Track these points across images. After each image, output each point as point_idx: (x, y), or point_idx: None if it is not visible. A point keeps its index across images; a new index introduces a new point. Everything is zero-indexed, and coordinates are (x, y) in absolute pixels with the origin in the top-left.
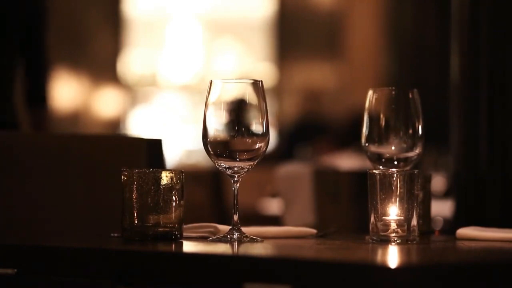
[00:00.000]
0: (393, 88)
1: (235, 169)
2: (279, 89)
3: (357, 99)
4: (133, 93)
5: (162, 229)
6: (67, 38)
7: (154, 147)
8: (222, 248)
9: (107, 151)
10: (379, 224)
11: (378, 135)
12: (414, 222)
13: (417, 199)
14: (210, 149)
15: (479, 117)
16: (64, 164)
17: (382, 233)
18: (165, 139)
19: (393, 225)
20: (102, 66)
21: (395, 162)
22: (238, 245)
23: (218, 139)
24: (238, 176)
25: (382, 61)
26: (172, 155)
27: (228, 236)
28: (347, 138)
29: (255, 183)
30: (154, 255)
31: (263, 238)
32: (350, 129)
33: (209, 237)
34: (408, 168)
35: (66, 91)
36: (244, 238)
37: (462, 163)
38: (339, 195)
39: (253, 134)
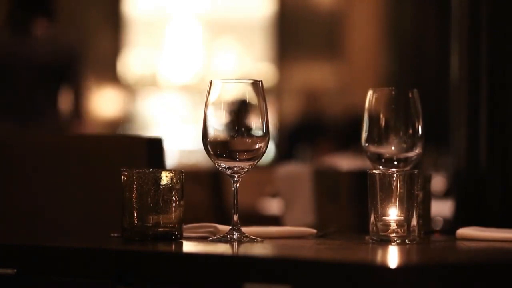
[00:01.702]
0: (393, 88)
1: (235, 169)
2: (279, 89)
3: (357, 99)
4: (133, 93)
5: (162, 229)
6: None
7: (154, 147)
8: (222, 248)
9: (107, 151)
10: (379, 224)
11: (378, 135)
12: (414, 222)
13: (417, 199)
14: (210, 149)
15: (479, 117)
16: (64, 164)
17: (382, 233)
18: (165, 139)
19: (393, 225)
20: (102, 66)
21: (395, 162)
22: (238, 245)
23: (218, 139)
24: (238, 176)
25: (382, 61)
26: (172, 155)
27: (228, 236)
28: (347, 138)
29: (255, 183)
30: (154, 255)
31: (263, 238)
32: (350, 129)
33: (209, 237)
34: (408, 168)
35: None
36: (244, 238)
37: (462, 163)
38: (339, 195)
39: (253, 134)
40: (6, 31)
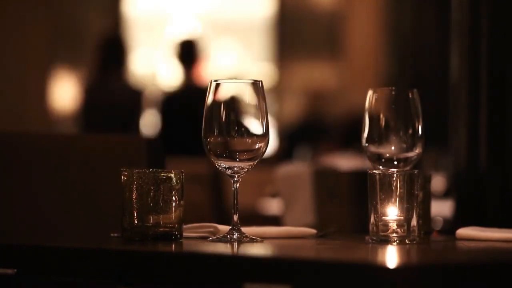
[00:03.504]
0: (393, 88)
1: (235, 169)
2: (279, 89)
3: (357, 99)
4: None
5: (162, 229)
6: (67, 38)
7: (154, 147)
8: (222, 248)
9: (107, 151)
10: (379, 224)
11: (378, 135)
12: (414, 222)
13: (417, 199)
14: (210, 149)
15: (479, 117)
16: (64, 164)
17: (382, 233)
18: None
19: (393, 225)
20: None
21: (395, 162)
22: (238, 245)
23: (218, 139)
24: (238, 176)
25: (382, 61)
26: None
27: (228, 236)
28: (347, 138)
29: (255, 183)
30: (154, 255)
31: (263, 238)
32: (350, 129)
33: (209, 237)
34: (408, 168)
35: (66, 91)
36: (244, 238)
37: (462, 163)
38: (339, 195)
39: (253, 134)
40: (95, 82)
